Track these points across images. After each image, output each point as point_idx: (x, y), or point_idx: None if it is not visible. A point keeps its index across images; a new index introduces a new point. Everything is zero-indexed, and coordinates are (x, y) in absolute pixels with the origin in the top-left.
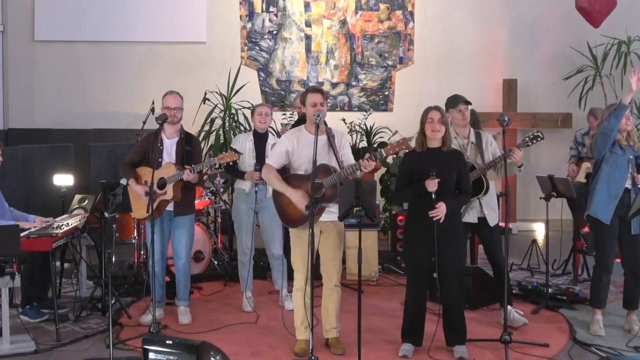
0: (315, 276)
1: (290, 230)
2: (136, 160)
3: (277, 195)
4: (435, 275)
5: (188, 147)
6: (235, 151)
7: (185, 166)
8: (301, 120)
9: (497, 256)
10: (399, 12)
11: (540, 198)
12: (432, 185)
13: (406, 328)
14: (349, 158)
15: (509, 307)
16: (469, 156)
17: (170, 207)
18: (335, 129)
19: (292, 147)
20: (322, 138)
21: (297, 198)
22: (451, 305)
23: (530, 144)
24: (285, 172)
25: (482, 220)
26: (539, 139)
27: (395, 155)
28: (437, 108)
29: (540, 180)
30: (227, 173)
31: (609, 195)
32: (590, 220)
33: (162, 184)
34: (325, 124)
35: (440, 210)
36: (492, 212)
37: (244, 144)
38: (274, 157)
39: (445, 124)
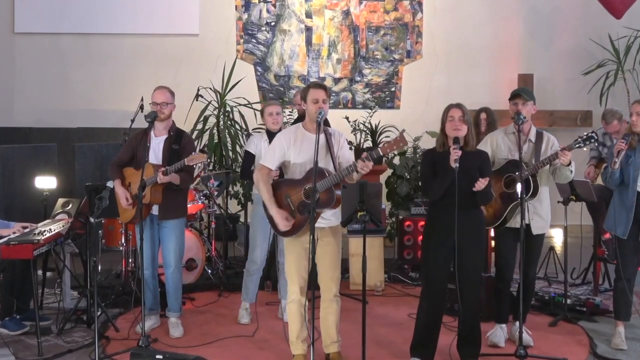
0: (316, 286)
1: (284, 239)
2: (125, 159)
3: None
4: (451, 286)
5: (175, 146)
6: (203, 151)
7: (160, 168)
8: (301, 118)
9: (528, 268)
10: (406, 3)
11: (559, 202)
12: (455, 154)
13: (417, 342)
14: (347, 159)
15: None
16: (525, 155)
17: (155, 211)
18: (331, 128)
19: (288, 147)
20: (321, 137)
21: (279, 220)
22: (469, 318)
23: (583, 145)
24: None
25: (527, 226)
26: (593, 140)
27: (395, 154)
28: (458, 105)
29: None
30: (242, 178)
31: (623, 208)
32: None
33: (143, 186)
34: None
35: (483, 183)
36: (538, 219)
37: (259, 144)
38: (269, 157)
39: (468, 123)
